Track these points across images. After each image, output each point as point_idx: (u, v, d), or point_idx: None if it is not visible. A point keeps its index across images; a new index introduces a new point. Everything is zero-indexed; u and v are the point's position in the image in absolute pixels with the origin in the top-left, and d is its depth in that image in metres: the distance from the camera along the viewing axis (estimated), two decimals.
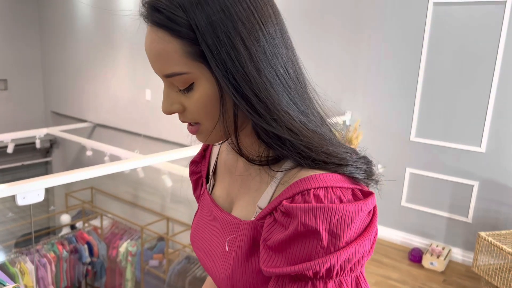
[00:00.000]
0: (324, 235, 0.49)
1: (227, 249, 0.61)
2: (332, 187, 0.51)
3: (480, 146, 2.94)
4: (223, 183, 0.70)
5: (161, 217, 4.13)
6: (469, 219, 3.07)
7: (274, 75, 0.54)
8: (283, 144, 0.54)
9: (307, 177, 0.53)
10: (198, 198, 0.79)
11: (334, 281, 0.50)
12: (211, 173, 0.74)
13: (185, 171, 3.30)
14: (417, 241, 3.31)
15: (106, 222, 4.24)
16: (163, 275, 3.74)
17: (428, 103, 3.11)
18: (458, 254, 3.14)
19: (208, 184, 0.74)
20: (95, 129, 5.23)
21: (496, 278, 2.40)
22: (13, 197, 1.48)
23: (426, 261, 3.02)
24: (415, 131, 3.19)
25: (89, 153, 4.35)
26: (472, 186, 3.02)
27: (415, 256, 3.09)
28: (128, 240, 3.96)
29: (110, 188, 4.68)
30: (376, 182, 0.57)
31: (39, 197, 1.41)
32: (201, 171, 0.78)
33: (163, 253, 3.85)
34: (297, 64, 0.59)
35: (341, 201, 0.50)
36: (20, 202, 1.40)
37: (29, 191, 1.37)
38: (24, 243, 3.77)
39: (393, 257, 3.17)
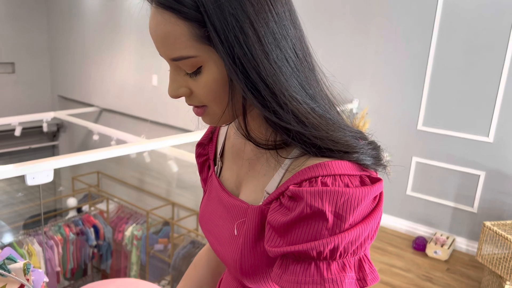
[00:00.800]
0: (330, 217, 0.49)
1: (235, 233, 0.61)
2: (340, 175, 0.51)
3: (488, 136, 2.92)
4: (231, 166, 0.69)
5: (166, 202, 4.16)
6: (475, 209, 3.07)
7: (283, 59, 0.52)
8: (289, 131, 0.53)
9: (315, 164, 0.52)
10: (204, 180, 0.78)
11: (337, 263, 0.50)
12: (218, 156, 0.73)
13: (191, 157, 3.32)
14: (421, 230, 3.31)
15: (112, 206, 4.28)
16: (168, 259, 3.78)
17: (437, 92, 3.09)
18: (462, 243, 3.14)
19: (215, 167, 0.73)
20: (102, 114, 5.25)
21: (500, 267, 2.41)
22: (21, 179, 1.49)
23: (430, 249, 3.03)
24: (422, 120, 3.18)
25: (95, 137, 4.37)
26: (479, 176, 3.01)
27: (419, 245, 3.10)
28: (134, 224, 4.00)
29: (116, 172, 4.71)
30: (384, 167, 0.57)
31: (48, 177, 1.43)
32: (208, 154, 0.77)
33: (168, 238, 3.89)
34: (305, 44, 0.57)
35: (347, 187, 0.50)
36: (30, 182, 1.41)
37: (39, 172, 1.39)
38: (31, 225, 3.81)
39: (398, 245, 3.19)
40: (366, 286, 0.51)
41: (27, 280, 1.04)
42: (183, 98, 0.59)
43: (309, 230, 0.50)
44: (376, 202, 0.53)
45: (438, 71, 3.05)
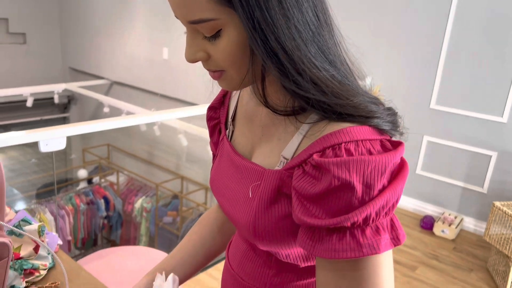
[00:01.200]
0: (359, 187, 0.49)
1: (250, 196, 0.61)
2: (362, 140, 0.51)
3: (502, 116, 2.88)
4: (243, 130, 0.69)
5: (175, 175, 4.20)
6: (484, 190, 3.05)
7: (305, 22, 0.51)
8: (308, 99, 0.52)
9: (337, 131, 0.52)
10: (215, 144, 0.78)
11: (371, 227, 0.50)
12: (230, 120, 0.73)
13: (201, 131, 3.33)
14: (430, 209, 3.31)
15: (122, 179, 4.33)
16: (176, 231, 3.84)
17: (451, 70, 3.03)
18: (470, 223, 3.14)
19: (227, 131, 0.73)
20: (112, 87, 5.25)
21: (508, 247, 2.41)
22: (34, 150, 1.51)
23: (438, 228, 3.04)
24: (435, 99, 3.13)
25: (106, 109, 4.39)
26: (490, 156, 2.98)
27: (427, 224, 3.11)
28: (143, 197, 4.05)
29: (127, 145, 4.75)
30: (401, 134, 0.57)
31: (61, 145, 1.44)
32: (219, 117, 0.76)
33: (177, 211, 3.94)
34: (325, 5, 0.56)
35: (370, 154, 0.50)
36: (43, 148, 1.43)
37: (52, 138, 1.40)
38: (43, 195, 3.88)
39: (405, 223, 3.19)
40: (399, 245, 0.52)
41: (42, 241, 1.06)
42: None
43: (340, 202, 0.49)
44: (400, 163, 0.53)
45: (453, 49, 2.99)
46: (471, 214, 3.15)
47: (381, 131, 0.53)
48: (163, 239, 3.91)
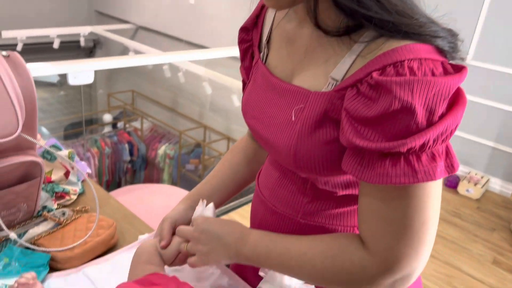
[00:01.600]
0: (420, 111, 0.46)
1: (293, 119, 0.58)
2: (425, 59, 0.47)
3: None
4: (280, 53, 0.65)
5: (199, 124, 4.21)
6: None
7: None
8: (370, 17, 0.48)
9: (399, 47, 0.48)
10: (246, 69, 0.74)
11: (427, 154, 0.48)
12: (264, 42, 0.68)
13: (225, 79, 3.28)
14: None
15: (146, 125, 4.38)
16: (198, 178, 3.90)
17: (493, 23, 2.85)
18: (496, 184, 3.08)
19: (261, 54, 0.69)
20: (138, 32, 5.19)
21: None
22: (64, 89, 1.51)
23: (462, 187, 2.99)
24: (473, 54, 2.98)
25: (131, 54, 4.36)
26: None
27: (452, 182, 3.06)
28: (167, 144, 4.11)
29: (151, 92, 4.75)
30: (462, 59, 0.52)
31: (89, 78, 1.43)
32: (252, 39, 0.72)
33: (200, 159, 3.99)
34: None
35: (433, 75, 0.46)
36: (71, 81, 1.43)
37: (80, 71, 1.39)
38: (70, 136, 3.97)
39: None
40: (453, 173, 0.49)
41: (72, 168, 1.07)
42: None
43: (397, 126, 0.47)
44: (456, 89, 0.49)
45: (496, 1, 2.80)
46: (498, 175, 3.08)
47: (442, 52, 0.49)
48: (185, 184, 3.99)
